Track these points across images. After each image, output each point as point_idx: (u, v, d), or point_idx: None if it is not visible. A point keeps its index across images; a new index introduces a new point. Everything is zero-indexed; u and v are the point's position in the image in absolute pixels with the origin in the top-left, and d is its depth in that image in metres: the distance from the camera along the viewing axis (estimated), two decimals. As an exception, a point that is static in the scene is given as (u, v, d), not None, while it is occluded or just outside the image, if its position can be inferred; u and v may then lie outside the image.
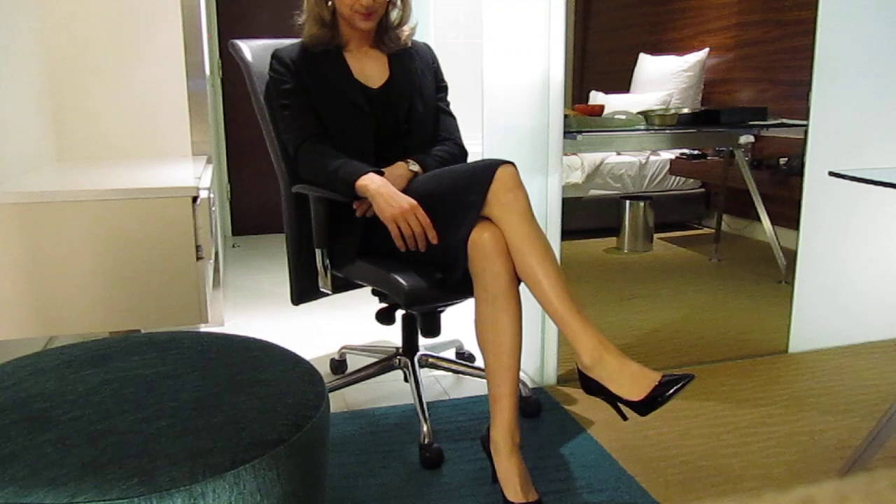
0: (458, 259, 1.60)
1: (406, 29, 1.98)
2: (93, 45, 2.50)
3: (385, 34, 1.95)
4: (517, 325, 1.55)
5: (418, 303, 1.68)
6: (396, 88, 1.92)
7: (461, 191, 1.61)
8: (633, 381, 1.43)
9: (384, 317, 2.01)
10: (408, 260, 1.74)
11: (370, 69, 1.94)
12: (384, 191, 1.68)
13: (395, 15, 1.96)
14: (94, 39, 2.50)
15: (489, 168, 1.58)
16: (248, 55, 1.96)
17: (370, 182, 1.71)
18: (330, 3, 1.88)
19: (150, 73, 2.57)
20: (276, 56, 1.89)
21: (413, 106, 1.92)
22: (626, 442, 1.84)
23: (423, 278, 1.68)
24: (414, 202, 1.66)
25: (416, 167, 1.83)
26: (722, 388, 2.15)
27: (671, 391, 1.39)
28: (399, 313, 2.07)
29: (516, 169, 1.60)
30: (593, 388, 1.48)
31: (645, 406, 1.41)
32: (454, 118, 2.04)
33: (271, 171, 4.59)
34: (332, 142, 1.86)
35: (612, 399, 1.46)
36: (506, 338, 1.53)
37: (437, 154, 1.91)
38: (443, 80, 2.05)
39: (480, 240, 1.54)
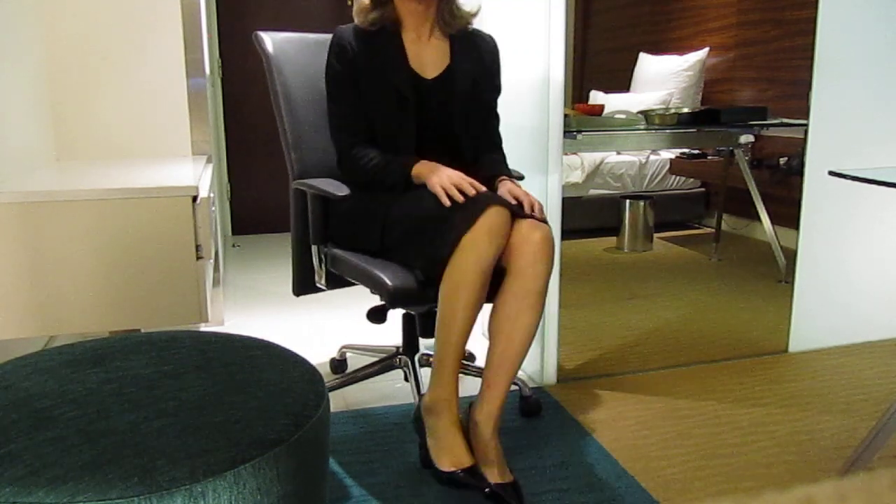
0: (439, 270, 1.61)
1: (472, 7, 1.86)
2: (93, 45, 2.50)
3: (446, 8, 1.82)
4: (537, 325, 1.59)
5: (402, 302, 1.68)
6: (452, 81, 1.83)
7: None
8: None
9: (376, 315, 2.01)
10: (400, 261, 1.73)
11: (429, 55, 1.83)
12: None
13: None
14: (94, 39, 2.50)
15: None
16: (269, 47, 1.97)
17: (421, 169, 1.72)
18: None
19: (150, 73, 2.57)
20: (335, 36, 1.83)
21: (466, 102, 1.84)
22: (626, 442, 1.84)
23: (410, 277, 1.68)
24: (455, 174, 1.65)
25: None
26: (722, 388, 2.15)
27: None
28: (400, 313, 2.07)
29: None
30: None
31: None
32: (499, 120, 1.97)
33: (271, 170, 4.64)
34: (378, 139, 1.82)
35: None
36: (522, 334, 1.57)
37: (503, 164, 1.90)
38: (499, 79, 1.95)
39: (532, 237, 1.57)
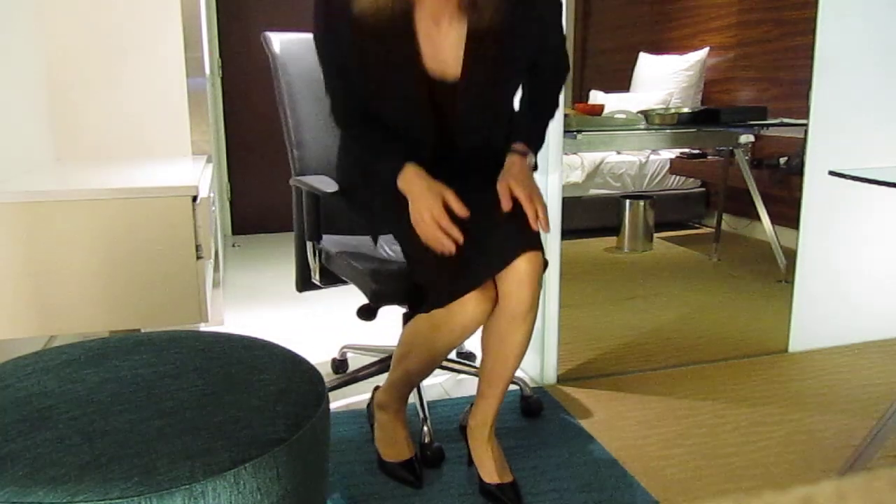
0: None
1: None
2: (92, 45, 2.50)
3: None
4: (527, 342, 1.57)
5: (385, 301, 1.69)
6: (473, 86, 1.51)
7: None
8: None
9: (365, 313, 2.01)
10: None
11: (446, 51, 1.48)
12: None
13: None
14: (94, 39, 2.50)
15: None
16: (276, 47, 1.99)
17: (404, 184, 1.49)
18: None
19: (149, 73, 2.57)
20: (325, 8, 1.48)
21: (488, 103, 1.55)
22: (626, 442, 1.84)
23: (392, 283, 1.67)
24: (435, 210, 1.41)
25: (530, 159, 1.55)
26: (722, 388, 2.15)
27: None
28: (400, 313, 2.07)
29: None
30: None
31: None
32: (562, 42, 1.61)
33: (271, 170, 4.64)
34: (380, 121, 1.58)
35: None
36: (511, 351, 1.55)
37: (533, 123, 1.61)
38: (557, 34, 1.58)
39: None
